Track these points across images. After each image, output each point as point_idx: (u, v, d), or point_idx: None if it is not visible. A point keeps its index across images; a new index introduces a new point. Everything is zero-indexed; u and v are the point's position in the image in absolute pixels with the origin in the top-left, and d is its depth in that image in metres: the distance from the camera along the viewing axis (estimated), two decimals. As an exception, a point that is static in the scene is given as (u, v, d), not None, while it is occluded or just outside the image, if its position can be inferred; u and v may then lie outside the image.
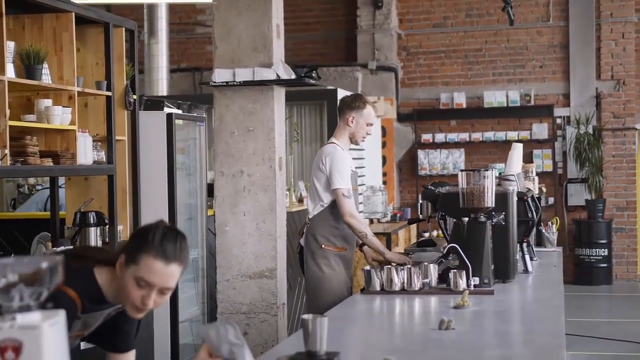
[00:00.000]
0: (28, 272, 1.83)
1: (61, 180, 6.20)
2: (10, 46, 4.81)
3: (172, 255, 2.64)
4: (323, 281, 5.23)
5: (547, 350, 3.05)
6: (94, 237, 5.53)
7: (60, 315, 1.84)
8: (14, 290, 1.81)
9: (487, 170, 4.50)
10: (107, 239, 5.71)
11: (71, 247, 5.28)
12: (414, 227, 11.00)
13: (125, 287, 2.67)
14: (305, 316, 2.76)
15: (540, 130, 12.79)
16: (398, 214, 11.01)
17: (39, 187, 8.80)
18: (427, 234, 10.29)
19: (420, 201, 5.32)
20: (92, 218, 5.54)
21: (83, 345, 4.79)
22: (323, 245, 5.26)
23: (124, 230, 5.92)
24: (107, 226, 5.70)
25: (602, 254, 12.38)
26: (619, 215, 12.75)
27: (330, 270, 5.24)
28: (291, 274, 6.95)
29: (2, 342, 1.77)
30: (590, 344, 8.60)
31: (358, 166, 10.21)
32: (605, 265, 12.43)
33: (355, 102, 5.34)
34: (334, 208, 5.22)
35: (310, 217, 5.38)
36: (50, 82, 5.14)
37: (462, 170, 4.55)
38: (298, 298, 7.73)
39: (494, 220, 4.55)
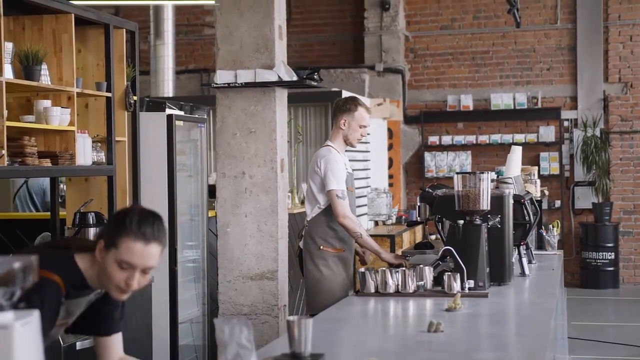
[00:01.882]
0: (0, 272, 1.84)
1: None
2: (8, 47, 4.84)
3: (150, 236, 2.73)
4: (322, 282, 5.27)
5: (532, 352, 3.05)
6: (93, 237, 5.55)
7: (34, 315, 1.86)
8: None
9: (483, 173, 4.50)
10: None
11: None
12: (419, 229, 10.99)
13: (108, 271, 2.74)
14: (290, 318, 2.78)
15: (547, 133, 12.75)
16: (404, 216, 11.00)
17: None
18: (433, 237, 10.27)
19: (419, 204, 5.33)
20: (91, 219, 5.55)
21: (79, 345, 4.84)
22: (321, 247, 5.30)
23: (123, 231, 5.93)
24: (106, 227, 5.71)
25: (609, 258, 12.35)
26: (626, 219, 12.71)
27: (329, 271, 5.27)
28: (293, 276, 6.96)
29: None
30: (595, 348, 8.59)
31: (363, 168, 10.24)
32: (612, 268, 12.39)
33: (347, 104, 5.39)
34: (331, 209, 5.25)
35: (308, 219, 5.42)
36: (50, 83, 5.17)
37: (457, 173, 4.55)
38: (300, 299, 7.74)
39: (490, 223, 4.55)
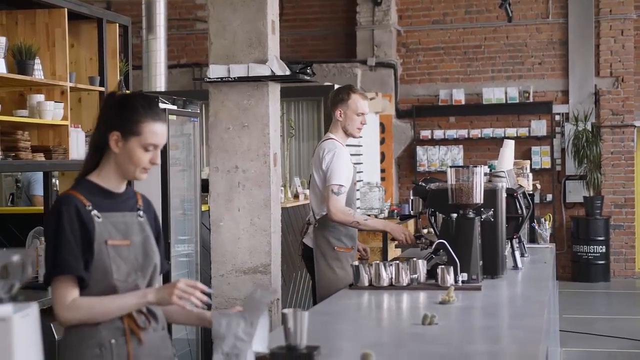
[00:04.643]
0: (-1, 265, 1.86)
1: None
2: (1, 41, 4.84)
3: (162, 114, 2.92)
4: (335, 283, 5.14)
5: (526, 345, 3.07)
6: (87, 231, 5.54)
7: (33, 308, 1.87)
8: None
9: (476, 167, 4.51)
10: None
11: None
12: (412, 223, 11.01)
13: (134, 157, 2.86)
14: (285, 311, 2.78)
15: (539, 127, 12.79)
16: (396, 210, 11.01)
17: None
18: (425, 230, 10.27)
19: (412, 197, 5.34)
20: (84, 213, 5.54)
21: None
22: (336, 247, 5.23)
23: (116, 225, 5.93)
24: (100, 221, 5.70)
25: (600, 251, 12.40)
26: (617, 212, 12.76)
27: (343, 271, 5.19)
28: (286, 270, 6.97)
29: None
30: (586, 341, 8.63)
31: (356, 162, 10.23)
32: (603, 262, 12.44)
33: (340, 94, 5.34)
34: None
35: (317, 217, 5.32)
36: (43, 77, 5.17)
37: (451, 167, 4.56)
38: (293, 294, 7.75)
39: (483, 216, 4.57)
